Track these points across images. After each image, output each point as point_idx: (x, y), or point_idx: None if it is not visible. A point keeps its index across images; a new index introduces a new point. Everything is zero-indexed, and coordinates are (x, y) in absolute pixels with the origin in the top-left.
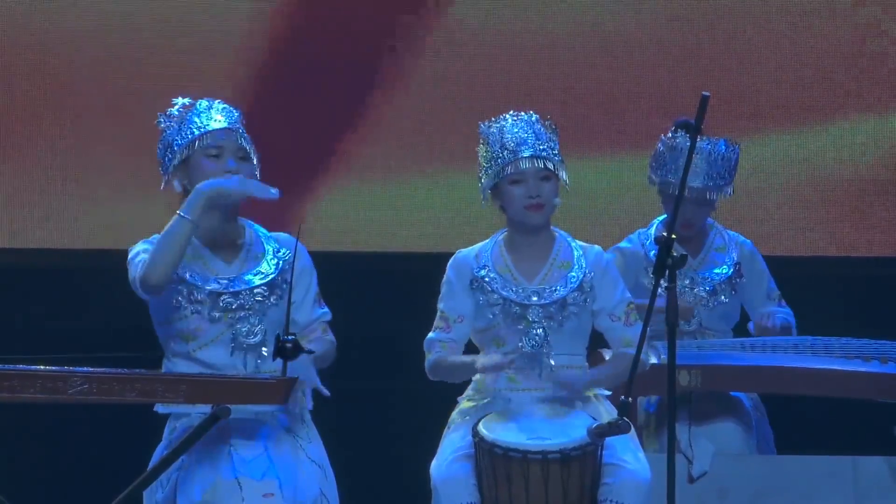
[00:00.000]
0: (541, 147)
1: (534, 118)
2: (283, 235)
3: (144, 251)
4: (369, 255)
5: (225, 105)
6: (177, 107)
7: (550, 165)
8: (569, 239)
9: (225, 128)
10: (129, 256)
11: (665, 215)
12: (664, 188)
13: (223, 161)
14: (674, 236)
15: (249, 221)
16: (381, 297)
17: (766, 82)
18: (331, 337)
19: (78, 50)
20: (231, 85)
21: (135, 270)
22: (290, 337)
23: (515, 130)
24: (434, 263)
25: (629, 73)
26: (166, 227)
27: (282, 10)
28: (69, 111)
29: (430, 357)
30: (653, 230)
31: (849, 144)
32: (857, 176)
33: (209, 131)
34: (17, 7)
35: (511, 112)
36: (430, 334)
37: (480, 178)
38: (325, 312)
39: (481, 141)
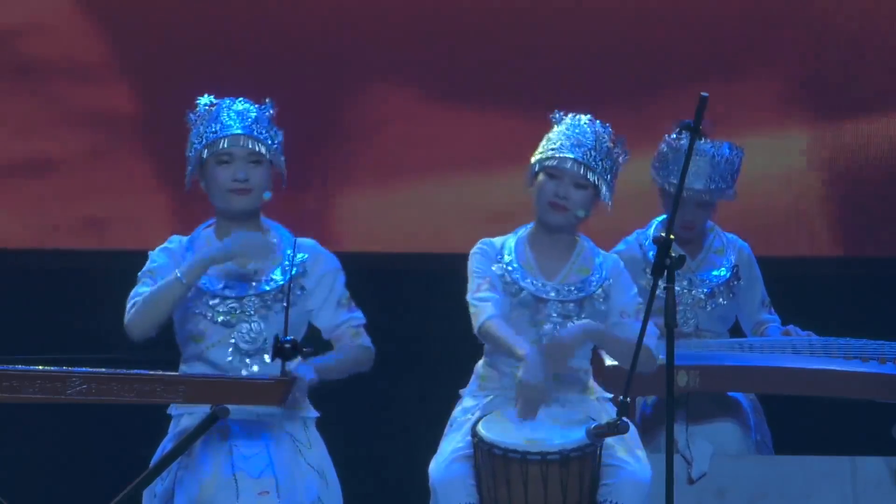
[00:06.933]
0: (592, 156)
1: (608, 131)
2: (307, 242)
3: (141, 295)
4: (368, 256)
5: (246, 105)
6: (202, 105)
7: (592, 177)
8: (592, 246)
9: (235, 134)
10: (130, 295)
11: (664, 215)
12: (667, 189)
13: (234, 167)
14: (672, 237)
15: (276, 224)
16: (382, 298)
17: (768, 83)
18: (362, 342)
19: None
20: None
21: (127, 314)
22: (288, 338)
23: (577, 131)
24: (438, 264)
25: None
26: (161, 284)
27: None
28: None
29: (486, 314)
30: (651, 230)
31: (849, 144)
32: (856, 175)
33: (220, 137)
34: None
35: (590, 116)
36: (479, 294)
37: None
38: (353, 317)
39: (552, 125)
